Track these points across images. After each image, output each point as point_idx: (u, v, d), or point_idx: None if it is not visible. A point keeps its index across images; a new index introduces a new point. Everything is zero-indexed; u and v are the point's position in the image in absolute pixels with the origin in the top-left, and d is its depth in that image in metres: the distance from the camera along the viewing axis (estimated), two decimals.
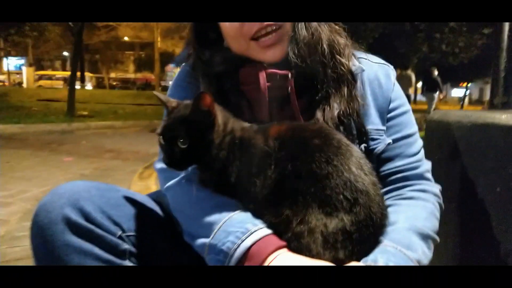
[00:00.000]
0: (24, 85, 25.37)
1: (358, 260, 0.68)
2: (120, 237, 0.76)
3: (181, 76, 0.98)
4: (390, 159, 0.88)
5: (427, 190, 0.87)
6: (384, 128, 0.89)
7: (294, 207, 0.68)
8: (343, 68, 0.85)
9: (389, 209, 0.79)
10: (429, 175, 0.90)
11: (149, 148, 5.28)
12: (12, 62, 33.30)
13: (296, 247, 0.68)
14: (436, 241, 0.80)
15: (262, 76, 0.84)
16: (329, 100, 0.84)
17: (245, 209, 0.75)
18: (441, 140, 1.22)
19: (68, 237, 0.71)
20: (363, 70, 0.90)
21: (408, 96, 10.00)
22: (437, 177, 0.93)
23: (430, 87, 10.50)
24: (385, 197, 0.84)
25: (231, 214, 0.74)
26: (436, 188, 0.89)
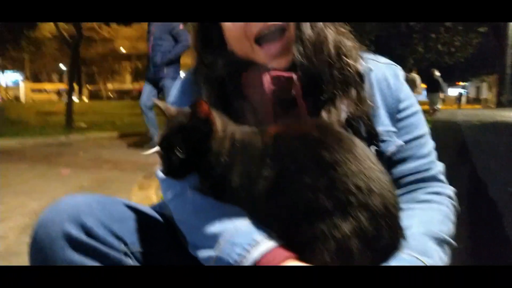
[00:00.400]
0: (22, 99, 25.35)
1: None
2: (124, 253, 0.72)
3: (183, 82, 0.96)
4: (401, 161, 0.85)
5: (441, 193, 0.84)
6: (395, 129, 0.86)
7: (302, 208, 0.64)
8: (350, 70, 0.83)
9: (403, 213, 0.75)
10: (442, 176, 0.87)
11: (148, 159, 5.23)
12: (8, 77, 33.32)
13: (307, 256, 0.65)
14: (453, 246, 0.77)
15: (266, 79, 0.82)
16: (336, 102, 0.81)
17: (250, 216, 0.72)
18: (449, 140, 1.20)
19: (69, 254, 0.68)
20: (371, 71, 0.87)
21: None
22: (446, 178, 0.90)
23: (432, 88, 10.77)
24: (395, 189, 0.80)
25: (237, 224, 0.70)
26: (450, 190, 0.86)
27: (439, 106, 10.57)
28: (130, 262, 0.73)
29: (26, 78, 30.57)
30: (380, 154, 0.83)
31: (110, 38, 23.74)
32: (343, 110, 0.80)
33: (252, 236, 0.68)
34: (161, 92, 5.35)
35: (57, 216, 0.71)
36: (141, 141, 6.11)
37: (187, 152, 0.70)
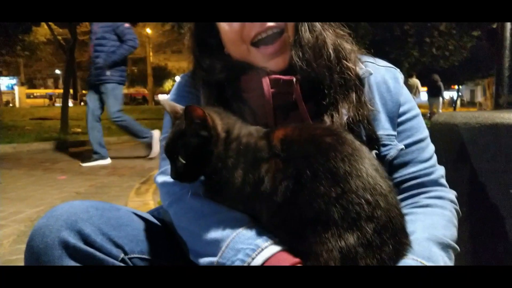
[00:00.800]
0: (17, 104, 25.22)
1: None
2: (122, 260, 0.71)
3: (180, 85, 0.95)
4: (403, 165, 0.84)
5: (444, 197, 0.83)
6: (395, 133, 0.86)
7: (310, 217, 0.63)
8: (350, 73, 0.82)
9: (406, 218, 0.74)
10: (444, 180, 0.87)
11: (145, 163, 5.22)
12: (3, 82, 33.14)
13: (311, 265, 0.63)
14: (457, 250, 0.76)
15: (266, 82, 0.81)
16: (337, 106, 0.80)
17: (254, 222, 0.71)
18: (448, 142, 1.19)
19: (67, 262, 0.66)
20: (370, 74, 0.86)
21: None
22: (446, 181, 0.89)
23: (433, 93, 11.27)
24: (400, 204, 0.80)
25: (239, 229, 0.69)
26: (452, 194, 0.85)
27: (440, 110, 10.78)
28: None
29: (21, 83, 30.42)
30: (381, 158, 0.82)
31: None
32: (343, 114, 0.80)
33: (255, 242, 0.67)
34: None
35: (54, 223, 0.69)
36: (138, 146, 6.08)
37: (190, 158, 0.69)
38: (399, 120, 0.87)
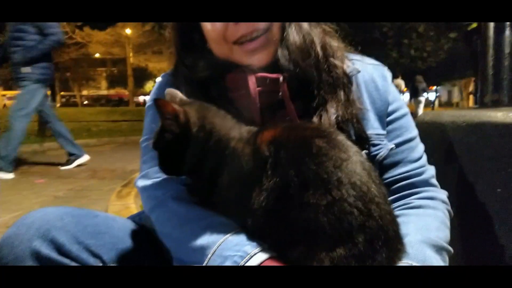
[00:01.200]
0: None
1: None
2: None
3: (161, 85, 0.91)
4: (393, 166, 0.82)
5: (435, 197, 0.81)
6: (385, 132, 0.84)
7: (300, 225, 0.60)
8: (337, 71, 0.79)
9: (398, 220, 0.72)
10: (435, 180, 0.85)
11: (126, 165, 5.11)
12: None
13: None
14: (450, 253, 0.74)
15: (252, 81, 0.77)
16: (325, 105, 0.78)
17: (241, 228, 0.67)
18: (434, 142, 1.19)
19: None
20: (358, 72, 0.84)
21: None
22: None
23: (416, 93, 11.81)
24: (392, 206, 0.78)
25: (226, 235, 0.65)
26: (444, 194, 0.84)
27: (421, 110, 11.24)
28: None
29: None
30: (371, 159, 0.80)
31: (83, 43, 23.20)
32: (332, 112, 0.77)
33: (243, 249, 0.63)
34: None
35: (24, 232, 0.64)
36: (119, 148, 5.95)
37: (166, 153, 0.68)
38: (388, 119, 0.85)
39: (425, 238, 0.71)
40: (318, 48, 0.79)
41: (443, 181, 0.99)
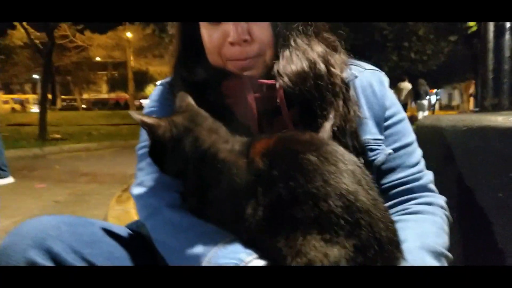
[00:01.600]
0: None
1: None
2: None
3: (157, 92, 0.91)
4: (390, 171, 0.82)
5: (433, 203, 0.81)
6: (382, 137, 0.83)
7: (291, 235, 0.59)
8: (337, 81, 0.79)
9: (396, 226, 0.71)
10: (433, 186, 0.84)
11: (126, 170, 5.10)
12: None
13: None
14: (449, 259, 0.73)
15: (248, 87, 0.77)
16: (323, 113, 0.77)
17: (235, 237, 0.66)
18: (434, 146, 1.18)
19: None
20: (356, 77, 0.84)
21: (405, 105, 11.54)
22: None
23: (418, 96, 11.99)
24: (389, 212, 0.77)
25: (221, 243, 0.65)
26: (442, 200, 0.83)
27: (423, 113, 11.34)
28: None
29: None
30: (368, 164, 0.79)
31: (84, 46, 23.27)
32: (330, 122, 0.76)
33: (238, 256, 0.63)
34: None
35: (19, 241, 0.63)
36: (119, 152, 5.95)
37: (157, 162, 0.71)
38: (386, 124, 0.84)
39: (423, 244, 0.70)
40: (321, 64, 0.77)
41: (444, 185, 0.98)
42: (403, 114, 0.87)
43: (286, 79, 0.75)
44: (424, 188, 0.82)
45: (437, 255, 0.70)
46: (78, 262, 0.65)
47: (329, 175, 0.60)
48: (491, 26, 1.17)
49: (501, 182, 0.99)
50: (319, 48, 0.80)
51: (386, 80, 0.89)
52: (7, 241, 0.64)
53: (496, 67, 1.19)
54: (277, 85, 0.76)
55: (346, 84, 0.81)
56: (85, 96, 37.95)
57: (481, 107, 1.25)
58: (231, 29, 0.75)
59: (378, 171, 0.81)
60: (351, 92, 0.81)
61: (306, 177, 0.60)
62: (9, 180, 4.46)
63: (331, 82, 0.78)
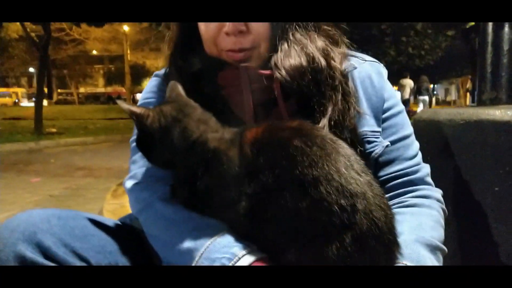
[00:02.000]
0: None
1: None
2: None
3: (152, 84, 0.90)
4: (388, 163, 0.81)
5: (430, 196, 0.80)
6: (380, 129, 0.82)
7: (283, 229, 0.58)
8: (336, 74, 0.78)
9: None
10: (429, 179, 0.84)
11: (122, 164, 5.08)
12: None
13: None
14: (445, 252, 0.73)
15: (245, 78, 0.76)
16: (321, 106, 0.76)
17: (229, 229, 0.65)
18: (432, 140, 1.17)
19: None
20: (354, 68, 0.83)
21: (407, 101, 11.85)
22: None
23: (419, 92, 12.20)
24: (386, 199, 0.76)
25: (214, 237, 0.64)
26: (438, 193, 0.83)
27: (423, 107, 11.62)
28: None
29: None
30: (366, 156, 0.78)
31: (81, 39, 23.07)
32: (327, 114, 0.75)
33: (231, 251, 0.61)
34: None
35: (9, 235, 0.62)
36: (115, 146, 5.93)
37: (149, 153, 0.70)
38: (384, 116, 0.83)
39: (419, 237, 0.69)
40: (321, 58, 0.76)
41: (441, 179, 0.97)
42: (401, 107, 0.87)
43: (283, 72, 0.74)
44: (421, 181, 0.82)
45: (433, 248, 0.70)
46: (69, 256, 0.63)
47: (317, 160, 0.58)
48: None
49: (497, 176, 0.99)
50: (319, 42, 0.79)
51: (385, 72, 0.88)
52: None
53: (494, 60, 1.18)
54: (275, 76, 0.75)
55: (345, 76, 0.80)
56: (81, 90, 37.73)
57: (479, 101, 1.24)
58: None
59: (375, 164, 0.80)
60: (351, 86, 0.80)
61: (293, 163, 0.58)
62: None
63: (331, 76, 0.77)
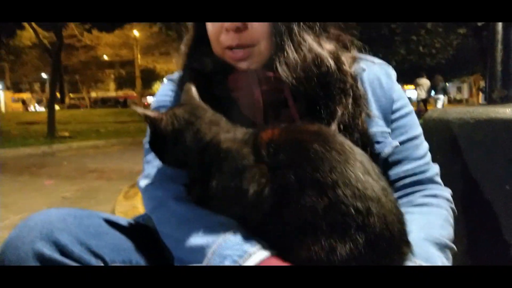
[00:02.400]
0: (2, 109, 24.81)
1: None
2: None
3: (165, 88, 0.92)
4: (397, 163, 0.81)
5: (439, 195, 0.80)
6: (389, 130, 0.83)
7: (297, 228, 0.59)
8: (346, 78, 0.78)
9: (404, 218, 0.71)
10: (439, 178, 0.84)
11: (133, 166, 5.14)
12: None
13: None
14: (454, 250, 0.73)
15: (255, 80, 0.77)
16: (331, 109, 0.76)
17: (240, 227, 0.66)
18: (441, 139, 1.17)
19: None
20: (363, 70, 0.83)
21: (425, 100, 12.15)
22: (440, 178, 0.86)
23: (435, 91, 12.49)
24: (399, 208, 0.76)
25: (225, 234, 0.65)
26: (447, 192, 0.83)
27: (442, 106, 11.79)
28: None
29: (7, 88, 29.93)
30: (375, 156, 0.79)
31: (92, 45, 23.38)
32: (337, 117, 0.76)
33: (242, 248, 0.62)
34: None
35: (27, 234, 0.64)
36: (126, 149, 6.00)
37: (163, 154, 0.72)
38: (393, 117, 0.84)
39: (428, 236, 0.69)
40: (330, 64, 0.76)
41: (451, 177, 0.97)
42: (410, 107, 0.87)
43: (288, 73, 0.74)
44: (430, 181, 0.82)
45: (442, 246, 0.70)
46: (85, 254, 0.65)
47: (336, 164, 0.59)
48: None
49: (508, 174, 0.98)
50: (328, 45, 0.80)
51: (393, 73, 0.88)
52: (15, 233, 0.65)
53: (505, 58, 1.17)
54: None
55: (354, 79, 0.80)
56: (93, 94, 38.21)
57: (489, 100, 1.23)
58: None
59: (384, 163, 0.81)
60: (361, 89, 0.80)
61: (313, 165, 0.59)
62: None
63: (341, 79, 0.77)
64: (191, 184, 0.74)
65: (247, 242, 0.63)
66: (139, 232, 0.79)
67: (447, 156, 1.14)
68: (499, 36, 1.18)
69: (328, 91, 0.76)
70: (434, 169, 0.84)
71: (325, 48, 0.78)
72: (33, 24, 9.95)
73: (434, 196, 0.80)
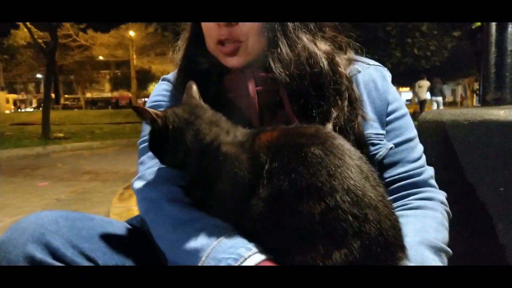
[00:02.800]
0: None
1: None
2: None
3: (160, 87, 0.91)
4: (392, 165, 0.81)
5: (434, 198, 0.80)
6: (384, 132, 0.82)
7: (294, 232, 0.59)
8: (341, 79, 0.78)
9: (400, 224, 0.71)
10: (433, 181, 0.84)
11: (129, 168, 5.12)
12: None
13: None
14: (449, 254, 0.73)
15: (251, 80, 0.77)
16: (326, 111, 0.76)
17: (235, 230, 0.66)
18: (436, 140, 1.17)
19: None
20: (358, 72, 0.83)
21: (424, 101, 12.40)
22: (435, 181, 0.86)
23: (433, 93, 12.58)
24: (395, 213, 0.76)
25: (220, 238, 0.64)
26: (442, 195, 0.83)
27: (439, 107, 12.20)
28: None
29: (1, 88, 29.71)
30: (369, 158, 0.79)
31: (87, 45, 23.30)
32: (332, 119, 0.76)
33: (237, 251, 0.62)
34: None
35: (18, 236, 0.63)
36: (122, 150, 5.97)
37: (162, 154, 0.72)
38: (388, 119, 0.84)
39: (423, 239, 0.69)
40: (324, 64, 0.77)
41: (445, 180, 0.98)
42: (405, 110, 0.87)
43: (280, 70, 0.74)
44: (425, 183, 0.82)
45: (437, 250, 0.70)
46: (77, 257, 0.64)
47: (335, 169, 0.59)
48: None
49: (503, 176, 0.98)
50: (323, 46, 0.80)
51: (388, 75, 0.88)
52: (6, 236, 0.64)
53: (498, 61, 1.18)
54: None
55: (350, 81, 0.80)
56: (88, 95, 38.05)
57: (483, 101, 1.24)
58: None
59: (379, 166, 0.81)
60: (357, 92, 0.81)
61: (311, 171, 0.59)
62: None
63: (335, 81, 0.78)
64: (190, 186, 0.73)
65: (242, 246, 0.62)
66: (132, 235, 0.78)
67: (442, 158, 1.14)
68: (493, 38, 1.18)
69: (321, 92, 0.76)
70: (429, 172, 0.84)
71: (320, 48, 0.78)
72: (28, 23, 9.89)
73: (429, 199, 0.80)
